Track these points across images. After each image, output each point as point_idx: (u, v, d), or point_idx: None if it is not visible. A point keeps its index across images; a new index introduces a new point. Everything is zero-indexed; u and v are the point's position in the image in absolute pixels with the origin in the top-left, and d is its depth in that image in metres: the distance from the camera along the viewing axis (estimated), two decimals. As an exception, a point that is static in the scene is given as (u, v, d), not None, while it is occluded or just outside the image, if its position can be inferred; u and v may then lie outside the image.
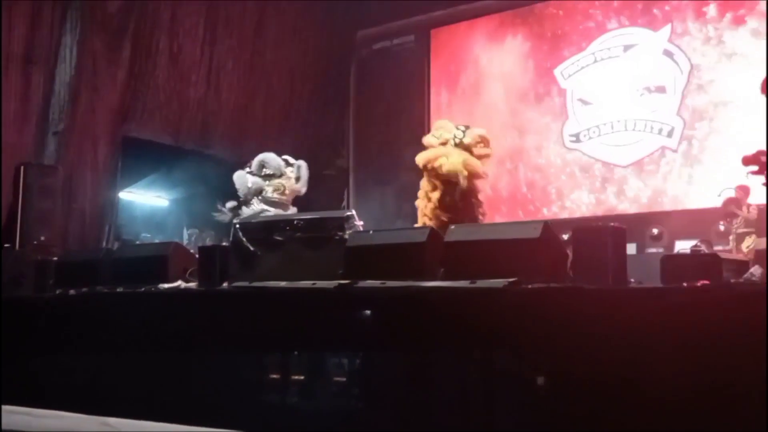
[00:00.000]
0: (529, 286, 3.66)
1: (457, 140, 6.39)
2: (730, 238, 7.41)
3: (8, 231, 8.16)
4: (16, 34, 8.57)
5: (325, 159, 11.91)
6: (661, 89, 9.86)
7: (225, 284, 4.75)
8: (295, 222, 4.72)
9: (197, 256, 5.15)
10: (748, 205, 7.47)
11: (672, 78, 9.78)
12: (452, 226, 4.74)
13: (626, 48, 10.17)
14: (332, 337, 4.29)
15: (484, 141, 6.56)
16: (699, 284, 3.39)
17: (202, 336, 4.70)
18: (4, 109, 8.38)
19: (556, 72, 10.65)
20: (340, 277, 4.24)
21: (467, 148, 6.40)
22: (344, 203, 11.81)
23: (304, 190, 6.91)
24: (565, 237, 4.27)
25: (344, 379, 4.64)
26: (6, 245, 7.73)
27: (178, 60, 10.19)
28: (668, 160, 9.75)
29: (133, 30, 9.60)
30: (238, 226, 4.87)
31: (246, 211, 6.57)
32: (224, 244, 5.20)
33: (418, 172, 6.61)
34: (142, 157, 10.11)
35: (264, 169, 6.72)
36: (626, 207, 9.95)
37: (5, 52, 8.43)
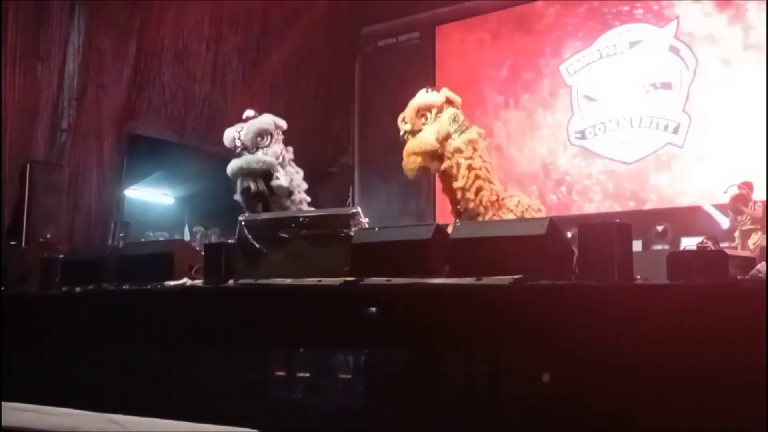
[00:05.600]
0: (535, 283, 3.65)
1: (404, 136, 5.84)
2: (736, 234, 7.42)
3: (14, 228, 8.18)
4: (23, 30, 8.59)
5: (331, 156, 11.93)
6: (666, 85, 9.84)
7: (230, 281, 4.75)
8: (301, 219, 4.71)
9: (203, 253, 5.15)
10: (754, 202, 7.47)
11: (678, 74, 9.75)
12: (457, 223, 4.74)
13: (632, 44, 10.15)
14: (338, 334, 4.29)
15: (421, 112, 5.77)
16: (705, 281, 3.38)
17: (208, 333, 4.70)
18: (13, 105, 8.40)
19: (562, 68, 10.64)
20: (345, 274, 4.23)
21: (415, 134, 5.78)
22: (349, 200, 11.81)
23: None
24: (571, 234, 4.27)
25: (350, 376, 4.65)
26: (12, 242, 7.75)
27: (184, 57, 10.20)
28: (674, 156, 9.73)
29: (138, 27, 9.62)
30: (243, 223, 4.86)
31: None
32: (230, 241, 5.19)
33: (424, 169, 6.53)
34: (147, 155, 10.13)
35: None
36: (632, 203, 9.94)
37: (12, 48, 8.44)
